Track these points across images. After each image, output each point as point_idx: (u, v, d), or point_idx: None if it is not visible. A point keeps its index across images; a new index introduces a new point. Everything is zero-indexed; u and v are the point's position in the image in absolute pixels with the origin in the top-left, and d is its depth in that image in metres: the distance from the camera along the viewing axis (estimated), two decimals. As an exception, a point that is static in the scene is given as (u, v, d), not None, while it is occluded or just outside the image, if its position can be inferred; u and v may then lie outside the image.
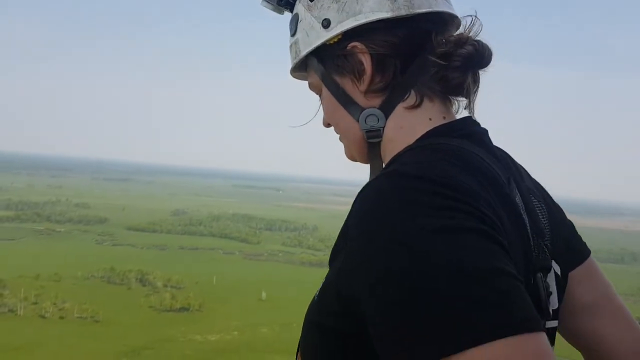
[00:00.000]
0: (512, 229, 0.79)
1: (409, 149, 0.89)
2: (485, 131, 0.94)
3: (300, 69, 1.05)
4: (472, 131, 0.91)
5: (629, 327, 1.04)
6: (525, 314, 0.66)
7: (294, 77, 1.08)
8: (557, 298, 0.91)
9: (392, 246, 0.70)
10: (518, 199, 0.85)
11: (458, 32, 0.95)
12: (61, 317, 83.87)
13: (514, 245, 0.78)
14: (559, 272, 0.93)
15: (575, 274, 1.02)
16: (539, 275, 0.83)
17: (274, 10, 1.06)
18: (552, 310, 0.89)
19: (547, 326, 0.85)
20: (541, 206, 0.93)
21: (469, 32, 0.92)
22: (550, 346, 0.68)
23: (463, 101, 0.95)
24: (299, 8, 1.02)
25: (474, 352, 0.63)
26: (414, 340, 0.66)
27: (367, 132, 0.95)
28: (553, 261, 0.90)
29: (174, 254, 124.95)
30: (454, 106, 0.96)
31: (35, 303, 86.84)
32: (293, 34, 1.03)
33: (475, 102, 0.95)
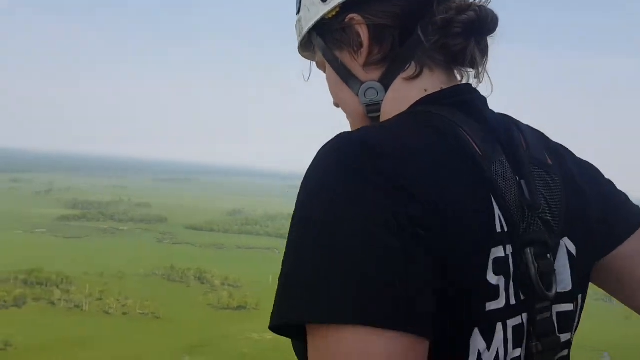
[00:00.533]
0: (468, 200, 0.75)
1: (400, 114, 0.89)
2: (480, 99, 0.91)
3: (307, 47, 1.04)
4: (461, 100, 0.88)
5: None
6: (372, 309, 0.64)
7: (303, 57, 1.07)
8: (569, 277, 0.86)
9: (305, 200, 0.73)
10: (502, 170, 0.81)
11: None
12: (124, 313, 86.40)
13: (462, 217, 0.74)
14: (572, 251, 0.88)
15: (626, 248, 0.97)
16: (528, 250, 0.79)
17: None
18: (563, 291, 0.84)
19: (541, 307, 0.80)
20: (551, 178, 0.88)
21: None
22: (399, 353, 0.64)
23: (472, 72, 0.92)
24: None
25: (314, 327, 0.66)
26: (282, 293, 0.69)
27: (367, 106, 0.94)
28: (566, 238, 0.86)
29: (231, 253, 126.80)
30: (463, 77, 0.93)
31: (100, 299, 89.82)
32: (297, 12, 1.03)
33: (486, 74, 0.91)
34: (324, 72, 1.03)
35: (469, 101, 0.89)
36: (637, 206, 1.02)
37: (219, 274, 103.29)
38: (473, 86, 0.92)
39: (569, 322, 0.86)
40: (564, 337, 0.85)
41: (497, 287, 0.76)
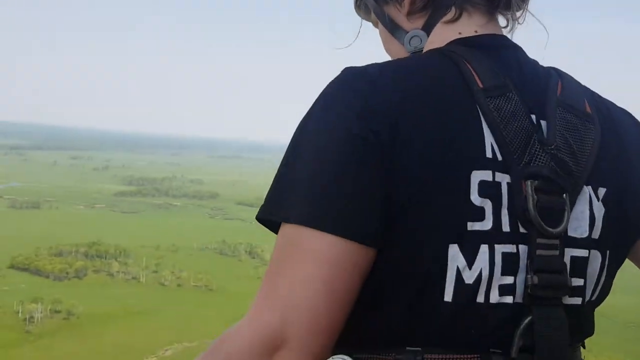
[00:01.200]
0: (449, 124, 0.78)
1: None
2: (509, 45, 0.92)
3: (361, 7, 1.07)
4: (485, 42, 0.89)
5: None
6: (332, 216, 0.72)
7: (362, 18, 1.09)
8: (587, 225, 0.84)
9: (304, 120, 0.80)
10: (505, 104, 0.82)
11: None
12: (178, 285, 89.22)
13: (436, 137, 0.76)
14: (598, 202, 0.85)
15: None
16: (529, 182, 0.78)
17: None
18: (579, 237, 0.83)
19: (545, 244, 0.79)
20: (583, 124, 0.87)
21: None
22: (347, 260, 0.72)
23: (517, 17, 0.93)
24: None
25: (285, 226, 0.75)
26: (270, 193, 0.79)
27: (412, 54, 0.96)
28: (589, 187, 0.84)
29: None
30: (509, 23, 0.94)
31: (156, 272, 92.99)
32: None
33: (523, 20, 0.93)
34: (378, 26, 1.06)
35: (492, 44, 0.90)
36: None
37: (269, 249, 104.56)
38: (510, 33, 0.94)
39: (582, 267, 0.84)
40: (576, 281, 0.83)
41: (482, 209, 0.77)
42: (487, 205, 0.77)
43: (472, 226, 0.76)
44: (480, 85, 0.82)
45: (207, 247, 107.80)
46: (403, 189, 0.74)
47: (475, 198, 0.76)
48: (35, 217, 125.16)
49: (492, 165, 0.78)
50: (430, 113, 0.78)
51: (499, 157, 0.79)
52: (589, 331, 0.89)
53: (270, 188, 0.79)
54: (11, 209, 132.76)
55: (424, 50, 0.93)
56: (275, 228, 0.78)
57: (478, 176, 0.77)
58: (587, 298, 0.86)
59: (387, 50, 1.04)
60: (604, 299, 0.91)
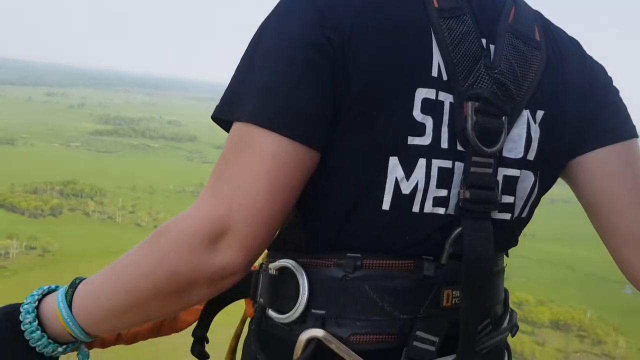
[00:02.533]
0: (398, 38, 0.81)
1: None
2: None
3: None
4: None
5: None
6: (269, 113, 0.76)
7: None
8: (522, 147, 0.89)
9: (263, 24, 0.84)
10: (457, 26, 0.84)
11: None
12: (155, 227, 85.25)
13: (385, 49, 0.79)
14: (535, 126, 0.89)
15: (596, 157, 0.95)
16: (471, 103, 0.83)
17: None
18: (513, 158, 0.88)
19: (479, 162, 0.84)
20: (530, 51, 0.90)
21: None
22: (286, 155, 0.76)
23: None
24: None
25: (236, 124, 0.79)
26: (225, 93, 0.82)
27: None
28: (527, 111, 0.88)
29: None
30: None
31: (132, 212, 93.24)
32: None
33: None
34: None
35: None
36: (632, 123, 1.00)
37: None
38: None
39: (512, 186, 0.89)
40: (506, 198, 0.88)
41: (422, 125, 0.81)
42: (428, 122, 0.81)
43: (412, 140, 0.80)
44: (436, 5, 0.84)
45: (184, 190, 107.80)
46: (349, 98, 0.78)
47: (417, 114, 0.80)
48: (9, 153, 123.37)
49: (436, 84, 0.81)
50: (382, 28, 0.80)
51: (445, 77, 0.82)
52: (513, 243, 0.96)
53: (227, 88, 0.82)
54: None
55: None
56: (229, 127, 0.80)
57: (422, 93, 0.80)
58: (516, 214, 0.92)
59: None
60: (532, 216, 0.97)
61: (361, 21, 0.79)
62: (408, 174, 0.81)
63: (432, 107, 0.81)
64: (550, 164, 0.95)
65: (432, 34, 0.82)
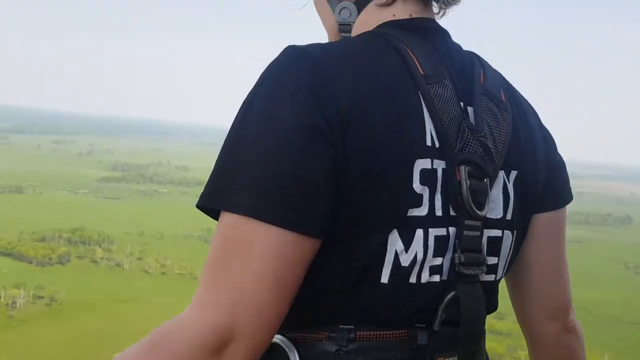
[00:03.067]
0: (394, 112, 0.80)
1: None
2: (440, 30, 0.95)
3: None
4: (417, 26, 0.92)
5: (557, 299, 1.04)
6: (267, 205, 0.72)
7: None
8: (501, 207, 0.90)
9: (245, 100, 0.80)
10: (442, 91, 0.85)
11: None
12: (163, 273, 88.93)
13: (382, 126, 0.79)
14: (510, 186, 0.92)
15: (540, 220, 1.00)
16: (463, 167, 0.83)
17: None
18: (495, 218, 0.89)
19: (471, 225, 0.84)
20: (501, 113, 0.93)
21: None
22: (289, 251, 0.73)
23: (454, 4, 0.96)
24: None
25: (227, 216, 0.74)
26: (211, 180, 0.77)
27: (339, 24, 0.98)
28: (502, 171, 0.90)
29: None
30: (439, 11, 0.97)
31: (140, 259, 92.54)
32: None
33: (455, 10, 0.96)
34: None
35: (426, 28, 0.92)
36: (570, 189, 1.06)
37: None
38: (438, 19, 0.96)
39: (496, 247, 0.91)
40: (491, 260, 0.89)
41: (420, 195, 0.80)
42: (425, 192, 0.81)
43: (412, 212, 0.80)
44: (422, 72, 0.84)
45: (191, 235, 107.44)
46: (350, 178, 0.76)
47: (417, 186, 0.80)
48: (18, 201, 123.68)
49: (431, 152, 0.82)
50: (377, 101, 0.79)
51: (437, 144, 0.82)
52: (495, 305, 0.95)
53: (212, 174, 0.77)
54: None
55: (357, 29, 0.95)
56: (216, 216, 0.76)
57: (420, 164, 0.80)
58: (499, 276, 0.93)
59: (317, 9, 1.04)
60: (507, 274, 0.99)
61: (356, 98, 0.78)
62: (407, 246, 0.80)
63: (428, 177, 0.82)
64: (523, 223, 0.97)
65: (423, 102, 0.83)
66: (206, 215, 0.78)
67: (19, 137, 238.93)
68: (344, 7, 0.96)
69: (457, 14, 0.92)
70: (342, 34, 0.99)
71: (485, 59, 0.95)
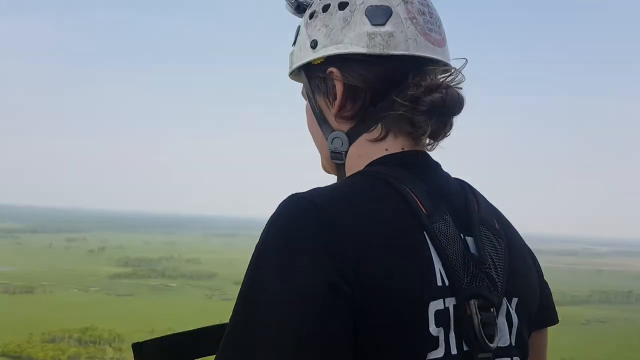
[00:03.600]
0: (406, 258, 0.81)
1: (353, 174, 0.96)
2: (432, 162, 0.98)
3: (295, 76, 1.11)
4: (411, 162, 0.94)
5: None
6: None
7: (292, 79, 1.12)
8: (507, 335, 0.91)
9: (252, 259, 0.80)
10: (445, 228, 0.86)
11: (442, 77, 0.97)
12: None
13: (398, 275, 0.79)
14: (511, 309, 0.93)
15: (533, 338, 1.03)
16: (473, 302, 0.84)
17: (293, 13, 1.09)
18: (503, 346, 0.90)
19: (483, 357, 0.85)
20: (497, 241, 0.94)
21: (447, 79, 0.96)
22: None
23: (444, 138, 0.99)
24: (302, 21, 1.07)
25: None
26: (226, 351, 0.77)
27: (331, 152, 1.01)
28: (505, 298, 0.91)
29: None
30: (426, 142, 1.00)
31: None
32: (293, 44, 1.08)
33: (445, 142, 0.99)
34: (306, 101, 1.08)
35: (419, 164, 0.95)
36: (554, 307, 1.11)
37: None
38: (428, 152, 0.99)
39: None
40: None
41: (437, 338, 0.82)
42: (441, 333, 0.82)
43: (430, 356, 0.81)
44: (425, 212, 0.86)
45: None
46: (368, 330, 0.77)
47: (432, 329, 0.81)
48: (28, 301, 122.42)
49: (442, 292, 0.83)
50: (386, 249, 0.80)
51: (447, 283, 0.84)
52: None
53: (226, 343, 0.76)
54: (4, 294, 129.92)
55: (350, 162, 0.98)
56: None
57: (434, 306, 0.81)
58: None
59: (310, 129, 1.07)
60: None
61: (367, 248, 0.79)
62: None
63: (442, 317, 0.82)
64: (526, 345, 0.98)
65: (429, 241, 0.84)
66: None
67: (31, 236, 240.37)
68: (336, 137, 0.99)
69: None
70: (334, 161, 1.01)
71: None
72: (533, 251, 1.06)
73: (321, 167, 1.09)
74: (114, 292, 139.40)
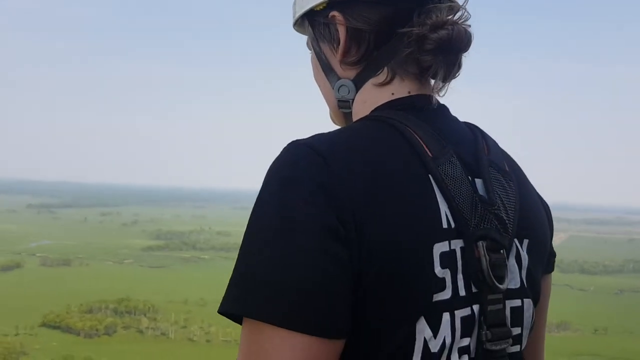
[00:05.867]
0: (409, 199, 0.80)
1: (358, 120, 0.94)
2: (440, 106, 0.95)
3: (300, 26, 1.07)
4: (417, 105, 0.92)
5: None
6: (294, 313, 0.72)
7: (297, 31, 1.09)
8: (518, 276, 0.91)
9: (255, 206, 0.80)
10: (452, 170, 0.85)
11: (451, 14, 0.92)
12: (207, 341, 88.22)
13: (400, 216, 0.78)
14: (521, 251, 0.92)
15: (543, 281, 1.02)
16: (480, 243, 0.83)
17: None
18: (514, 288, 0.89)
19: (494, 299, 0.85)
20: (507, 183, 0.93)
21: (453, 16, 0.91)
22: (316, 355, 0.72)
23: (452, 79, 0.94)
24: None
25: (251, 322, 0.75)
26: (232, 285, 0.78)
27: (338, 101, 0.99)
28: (516, 240, 0.91)
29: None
30: (438, 87, 0.95)
31: (184, 327, 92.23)
32: None
33: (455, 84, 0.94)
34: (311, 51, 1.06)
35: (426, 107, 0.92)
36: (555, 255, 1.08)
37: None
38: (441, 95, 0.95)
39: (519, 317, 0.91)
40: (515, 330, 0.89)
41: (443, 279, 0.81)
42: (447, 275, 0.81)
43: (436, 297, 0.80)
44: (430, 154, 0.85)
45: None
46: (371, 274, 0.76)
47: (438, 270, 0.80)
48: (66, 274, 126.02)
49: (448, 234, 0.82)
50: (389, 192, 0.79)
51: (453, 225, 0.83)
52: None
53: (232, 279, 0.78)
54: (43, 267, 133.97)
55: (357, 108, 0.96)
56: (240, 320, 0.77)
57: (438, 248, 0.81)
58: (524, 345, 0.93)
59: (316, 81, 1.05)
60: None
61: (369, 193, 0.78)
62: (435, 332, 0.79)
63: (448, 259, 0.81)
64: (538, 287, 0.98)
65: (434, 184, 0.83)
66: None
67: (66, 211, 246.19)
68: (342, 85, 0.97)
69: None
70: (342, 110, 1.00)
71: None
72: (560, 217, 1.24)
73: (330, 120, 1.09)
74: (147, 264, 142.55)
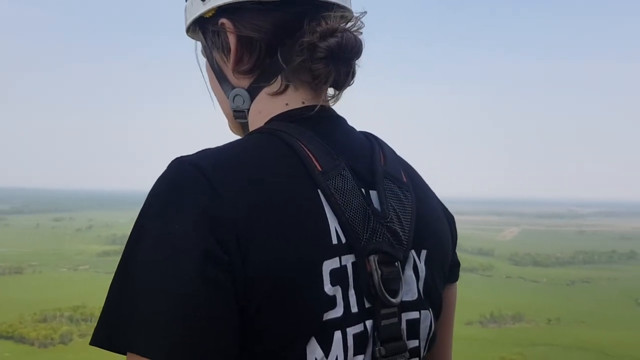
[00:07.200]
0: (295, 219, 0.78)
1: (250, 132, 0.92)
2: (334, 116, 0.94)
3: (193, 33, 1.03)
4: (310, 116, 0.90)
5: None
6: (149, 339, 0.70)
7: (190, 37, 1.05)
8: (415, 288, 0.89)
9: (134, 225, 0.76)
10: (342, 184, 0.83)
11: (343, 22, 0.90)
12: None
13: (284, 237, 0.76)
14: (418, 262, 0.91)
15: (446, 292, 1.02)
16: (372, 258, 0.82)
17: None
18: (411, 300, 0.88)
19: (387, 313, 0.83)
20: (404, 194, 0.91)
21: (345, 23, 0.90)
22: None
23: (347, 87, 0.93)
24: None
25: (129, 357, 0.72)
26: (106, 315, 0.75)
27: (234, 111, 0.96)
28: (413, 251, 0.89)
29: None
30: (329, 94, 0.95)
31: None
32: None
33: (347, 93, 0.94)
34: (204, 59, 1.02)
35: (319, 118, 0.90)
36: (459, 265, 1.08)
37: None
38: (331, 106, 0.95)
39: (415, 329, 0.89)
40: (412, 343, 0.88)
41: (334, 297, 0.79)
42: (338, 292, 0.80)
43: (327, 316, 0.78)
44: (319, 169, 0.83)
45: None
46: (258, 297, 0.74)
47: (328, 289, 0.78)
48: (18, 282, 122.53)
49: (338, 250, 0.80)
50: (276, 211, 0.77)
51: (343, 240, 0.81)
52: None
53: (106, 305, 0.74)
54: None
55: (252, 118, 0.94)
56: (113, 350, 0.74)
57: (328, 265, 0.79)
58: (422, 356, 0.92)
59: (213, 91, 1.02)
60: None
61: (255, 213, 0.75)
62: (327, 352, 0.78)
63: (339, 276, 0.80)
64: (438, 297, 0.97)
65: (323, 199, 0.81)
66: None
67: (17, 217, 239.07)
68: (237, 94, 0.94)
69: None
70: (238, 120, 0.98)
71: None
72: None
73: (229, 130, 1.05)
74: (103, 270, 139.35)
